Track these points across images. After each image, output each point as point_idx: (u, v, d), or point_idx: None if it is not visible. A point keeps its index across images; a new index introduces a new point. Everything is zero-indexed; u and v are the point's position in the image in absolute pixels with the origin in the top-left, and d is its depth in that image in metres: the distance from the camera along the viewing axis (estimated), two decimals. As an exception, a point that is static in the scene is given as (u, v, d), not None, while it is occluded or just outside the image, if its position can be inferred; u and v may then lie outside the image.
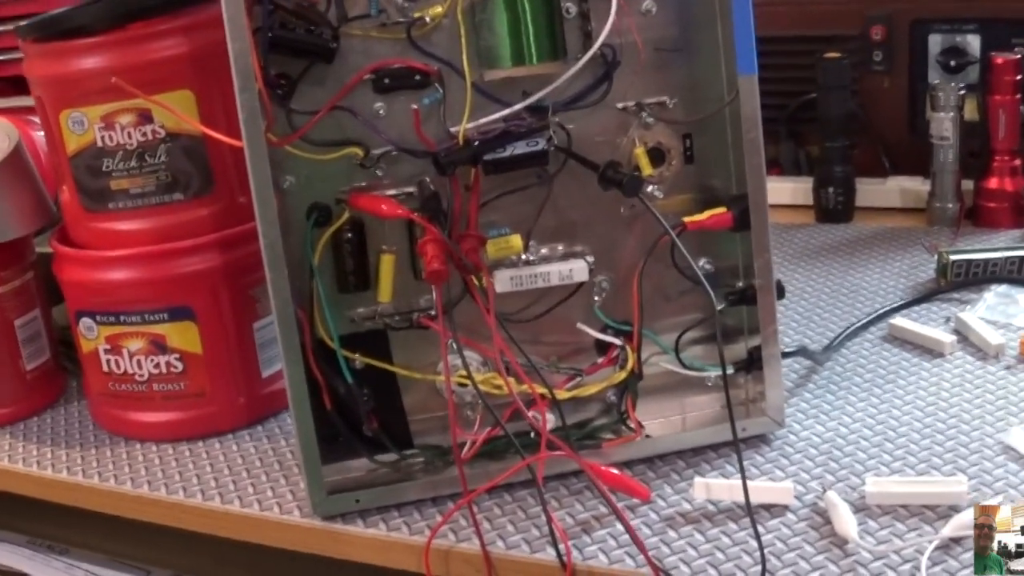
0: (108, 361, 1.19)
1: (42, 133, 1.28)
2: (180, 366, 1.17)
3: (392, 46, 1.02)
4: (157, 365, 1.18)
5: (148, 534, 1.17)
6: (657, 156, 1.06)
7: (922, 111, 1.62)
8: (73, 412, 1.30)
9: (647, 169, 1.05)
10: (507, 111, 1.01)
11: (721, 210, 1.04)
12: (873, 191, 1.67)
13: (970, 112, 1.57)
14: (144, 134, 1.13)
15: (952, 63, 1.65)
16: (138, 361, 1.18)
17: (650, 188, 1.06)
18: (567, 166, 1.04)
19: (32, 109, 1.23)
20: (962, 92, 1.54)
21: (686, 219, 1.04)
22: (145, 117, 1.13)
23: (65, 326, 1.29)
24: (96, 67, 1.12)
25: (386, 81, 1.02)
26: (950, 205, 1.58)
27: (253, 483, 1.10)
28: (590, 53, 1.01)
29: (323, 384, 1.03)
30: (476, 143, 1.00)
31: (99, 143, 1.14)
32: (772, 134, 1.72)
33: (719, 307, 1.04)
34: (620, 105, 1.05)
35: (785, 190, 1.71)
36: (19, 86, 1.21)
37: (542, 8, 0.99)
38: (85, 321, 1.20)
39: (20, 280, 1.29)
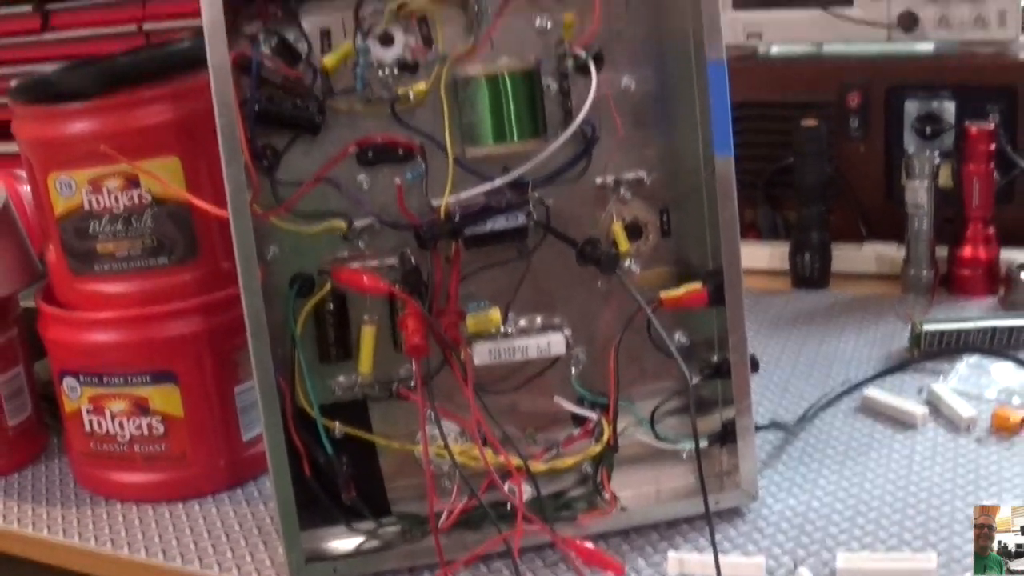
0: (90, 422, 1.20)
1: (28, 188, 1.29)
2: (162, 428, 1.18)
3: (377, 120, 1.04)
4: (139, 427, 1.19)
5: (127, 595, 1.18)
6: (634, 231, 1.08)
7: (898, 177, 1.63)
8: (54, 469, 1.31)
9: (624, 245, 1.07)
10: (488, 186, 1.02)
11: (697, 286, 1.06)
12: (849, 256, 1.69)
13: (945, 179, 1.59)
14: (131, 199, 1.15)
15: (928, 129, 1.67)
16: (120, 423, 1.19)
17: (627, 262, 1.08)
18: (546, 240, 1.06)
19: (18, 158, 1.24)
20: (936, 161, 1.56)
21: (662, 295, 1.05)
22: (132, 182, 1.14)
23: (47, 381, 1.30)
24: (84, 132, 1.14)
25: (370, 155, 1.04)
26: (924, 272, 1.59)
27: (232, 548, 1.11)
28: (570, 131, 1.02)
29: (303, 452, 1.04)
30: (457, 217, 1.02)
31: (86, 206, 1.15)
32: (750, 198, 1.75)
33: (693, 382, 1.06)
34: (598, 180, 1.07)
35: (762, 255, 1.73)
36: (8, 133, 1.23)
37: (523, 88, 1.02)
38: (68, 381, 1.21)
39: (4, 337, 1.30)
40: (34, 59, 1.59)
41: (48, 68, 1.29)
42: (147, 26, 1.53)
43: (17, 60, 1.61)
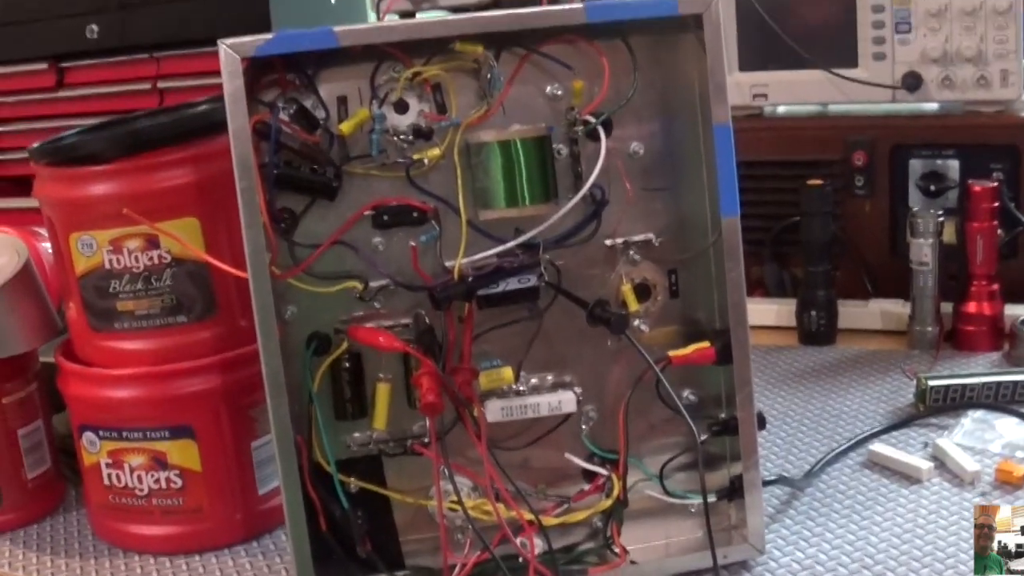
0: (109, 475, 1.22)
1: (47, 244, 1.31)
2: (179, 482, 1.21)
3: (392, 184, 1.06)
4: (157, 480, 1.21)
5: (144, 648, 1.20)
6: (643, 291, 1.11)
7: (903, 234, 1.65)
8: (72, 521, 1.32)
9: (633, 305, 1.10)
10: (500, 248, 1.05)
11: (704, 345, 1.08)
12: (855, 313, 1.71)
13: (949, 236, 1.61)
14: (151, 259, 1.17)
15: (932, 188, 1.69)
16: (139, 476, 1.21)
17: (636, 322, 1.11)
18: (557, 300, 1.08)
19: (36, 212, 1.27)
20: (941, 219, 1.58)
21: (671, 354, 1.08)
22: (152, 243, 1.17)
23: (66, 434, 1.32)
24: (106, 193, 1.17)
25: (385, 218, 1.06)
26: (930, 329, 1.61)
27: (248, 601, 1.13)
28: (580, 195, 1.05)
29: (319, 506, 1.06)
30: (470, 279, 1.04)
31: (107, 265, 1.18)
32: (757, 255, 1.78)
33: (702, 438, 1.08)
34: (608, 242, 1.10)
35: (770, 312, 1.74)
36: (23, 187, 1.24)
37: (535, 153, 1.04)
38: (88, 435, 1.23)
39: (24, 391, 1.32)
40: (49, 115, 1.61)
41: (63, 124, 1.32)
42: (161, 84, 1.56)
43: (32, 116, 1.64)
